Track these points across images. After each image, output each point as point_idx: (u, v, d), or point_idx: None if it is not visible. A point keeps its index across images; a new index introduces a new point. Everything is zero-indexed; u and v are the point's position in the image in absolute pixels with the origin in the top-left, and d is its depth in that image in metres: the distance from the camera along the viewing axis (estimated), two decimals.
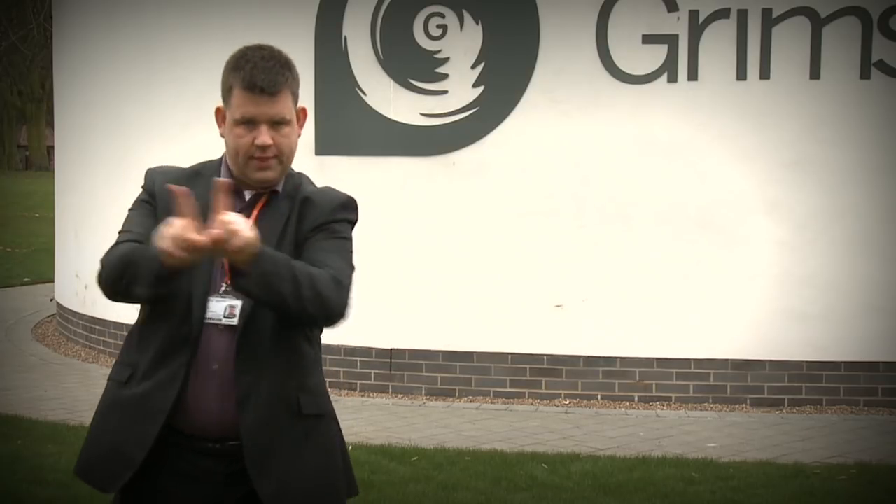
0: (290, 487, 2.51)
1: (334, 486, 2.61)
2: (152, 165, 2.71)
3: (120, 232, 2.57)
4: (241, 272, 2.33)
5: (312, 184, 2.65)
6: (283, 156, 2.52)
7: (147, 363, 2.51)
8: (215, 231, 2.25)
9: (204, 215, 2.41)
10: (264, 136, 2.47)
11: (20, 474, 5.53)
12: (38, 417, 6.78)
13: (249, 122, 2.47)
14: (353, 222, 2.62)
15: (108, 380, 2.61)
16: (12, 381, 8.02)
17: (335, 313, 2.46)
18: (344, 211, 2.59)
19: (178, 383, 2.47)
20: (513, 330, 7.52)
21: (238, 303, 2.48)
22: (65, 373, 8.42)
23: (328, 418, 2.62)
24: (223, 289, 2.50)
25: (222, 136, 2.56)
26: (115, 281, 2.43)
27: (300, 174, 2.64)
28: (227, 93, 2.52)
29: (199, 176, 2.59)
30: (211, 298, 2.50)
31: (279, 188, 2.58)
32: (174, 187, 2.36)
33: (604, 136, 7.41)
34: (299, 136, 2.59)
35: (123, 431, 2.50)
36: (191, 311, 2.47)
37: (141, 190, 2.64)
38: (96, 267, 2.57)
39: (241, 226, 2.28)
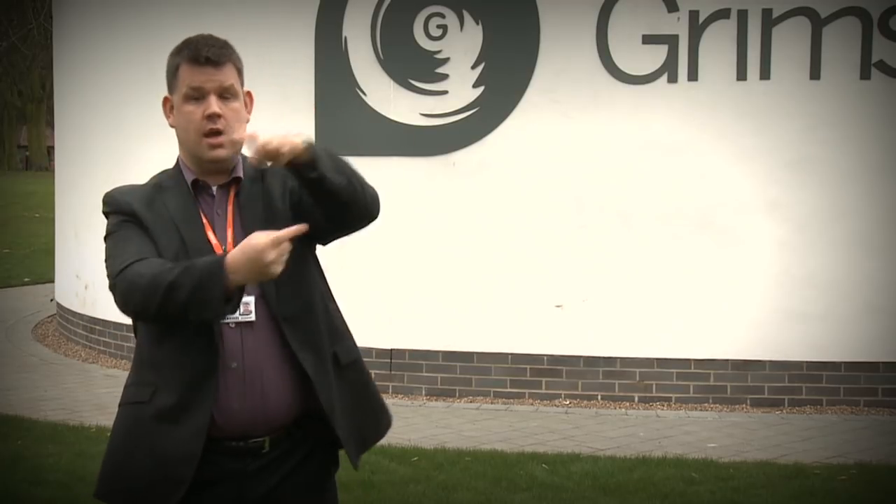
0: (352, 426, 2.62)
1: (380, 415, 2.78)
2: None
3: (114, 257, 2.47)
4: (308, 162, 2.37)
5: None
6: (232, 131, 2.51)
7: (169, 378, 2.47)
8: (267, 141, 2.31)
9: (182, 224, 2.49)
10: (213, 106, 2.49)
11: (20, 474, 5.52)
12: (38, 417, 6.78)
13: (197, 97, 2.50)
14: None
15: (124, 404, 2.56)
16: (12, 381, 8.02)
17: (378, 203, 2.60)
18: None
19: (212, 393, 2.45)
20: (513, 330, 7.52)
21: (251, 298, 2.48)
22: (65, 373, 8.42)
23: (359, 362, 2.74)
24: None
25: (172, 125, 2.58)
26: (158, 306, 2.35)
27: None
28: (172, 75, 2.56)
29: (162, 189, 2.58)
30: None
31: (241, 174, 2.58)
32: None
33: (604, 136, 7.41)
34: (248, 120, 2.59)
35: (162, 451, 2.46)
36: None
37: (111, 215, 2.55)
38: (102, 276, 2.51)
39: (283, 138, 2.33)
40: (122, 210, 2.54)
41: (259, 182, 2.59)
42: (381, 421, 2.78)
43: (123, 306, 2.43)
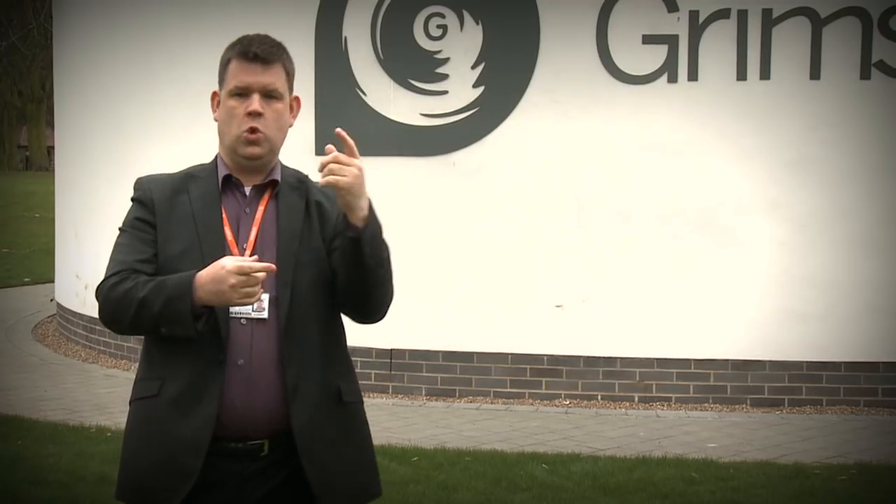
0: (335, 474, 2.53)
1: (373, 473, 2.67)
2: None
3: (114, 259, 2.53)
4: (361, 223, 2.43)
5: (312, 181, 2.66)
6: (271, 132, 2.53)
7: (178, 372, 2.48)
8: (330, 158, 2.37)
9: (200, 216, 2.50)
10: (255, 104, 2.50)
11: (20, 474, 5.52)
12: (38, 417, 6.78)
13: (242, 94, 2.51)
14: None
15: (135, 400, 2.57)
16: (12, 381, 8.02)
17: (386, 309, 2.59)
18: None
19: (220, 385, 2.45)
20: (513, 330, 7.52)
21: (265, 296, 2.48)
22: (65, 373, 8.42)
23: (361, 405, 2.67)
24: None
25: (216, 120, 2.58)
26: (131, 321, 2.46)
27: (296, 169, 2.66)
28: (223, 69, 2.56)
29: (192, 178, 2.60)
30: None
31: (278, 177, 2.58)
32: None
33: (604, 136, 7.41)
34: (291, 125, 2.61)
35: (171, 443, 2.46)
36: (214, 312, 2.45)
37: (133, 202, 2.60)
38: (97, 283, 2.55)
39: (354, 170, 2.40)
40: (143, 198, 2.58)
41: (298, 192, 2.59)
42: (373, 481, 2.68)
43: (100, 316, 2.55)
